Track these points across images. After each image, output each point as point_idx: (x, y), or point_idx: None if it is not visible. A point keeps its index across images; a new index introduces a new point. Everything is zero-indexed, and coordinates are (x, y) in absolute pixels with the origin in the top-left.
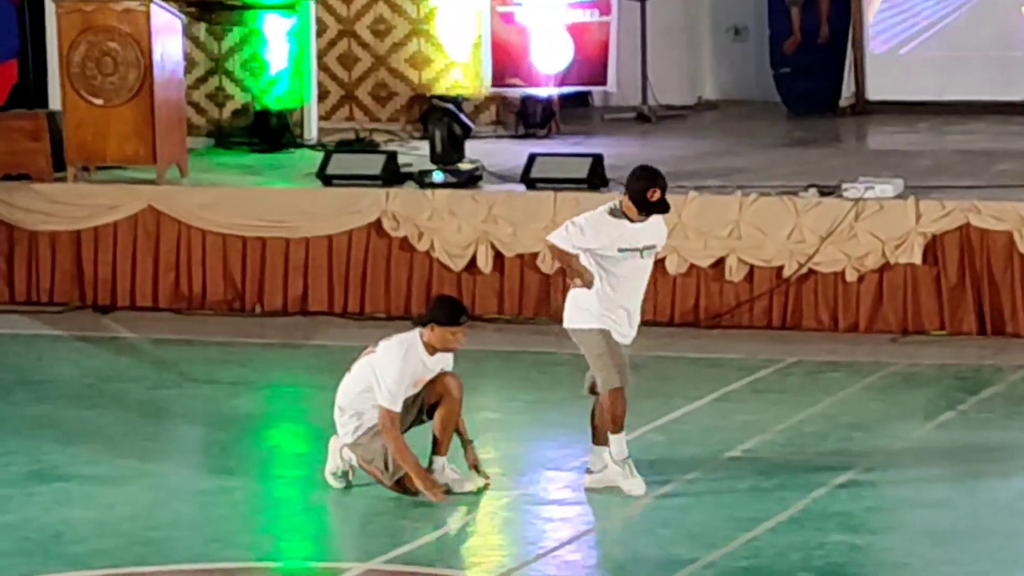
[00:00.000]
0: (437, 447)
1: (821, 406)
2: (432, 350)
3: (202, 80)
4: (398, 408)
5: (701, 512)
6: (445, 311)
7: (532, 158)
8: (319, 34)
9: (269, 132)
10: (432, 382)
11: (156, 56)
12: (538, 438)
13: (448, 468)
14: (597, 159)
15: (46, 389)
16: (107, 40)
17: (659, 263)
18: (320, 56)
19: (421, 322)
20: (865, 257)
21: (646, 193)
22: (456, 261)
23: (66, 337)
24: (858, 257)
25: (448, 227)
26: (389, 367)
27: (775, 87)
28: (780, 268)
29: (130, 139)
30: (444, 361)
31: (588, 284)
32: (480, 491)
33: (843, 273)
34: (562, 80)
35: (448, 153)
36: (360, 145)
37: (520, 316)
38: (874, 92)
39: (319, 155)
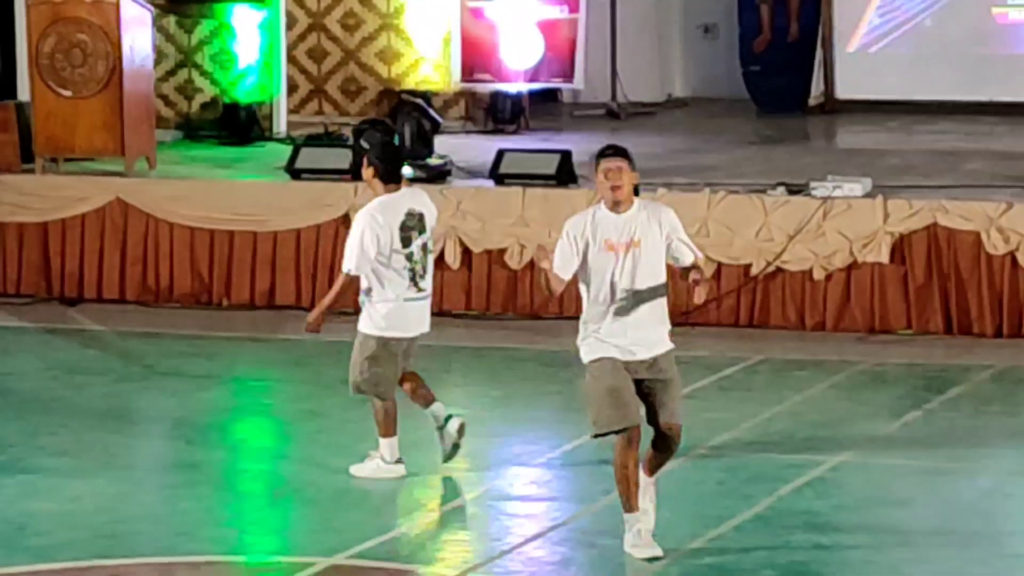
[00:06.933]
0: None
1: (788, 404)
2: None
3: (171, 73)
4: None
5: (666, 509)
6: None
7: (501, 154)
8: (289, 28)
9: (238, 125)
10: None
11: (125, 48)
12: (505, 434)
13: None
14: (566, 156)
15: (11, 381)
16: (76, 32)
17: None
18: (290, 50)
19: None
20: (833, 256)
21: None
22: None
23: (32, 329)
24: (826, 256)
25: None
26: None
27: (744, 85)
28: (748, 266)
29: (99, 131)
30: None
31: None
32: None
33: (810, 272)
34: (531, 76)
35: (417, 148)
36: (329, 139)
37: (488, 312)
38: (843, 91)
39: (288, 149)
